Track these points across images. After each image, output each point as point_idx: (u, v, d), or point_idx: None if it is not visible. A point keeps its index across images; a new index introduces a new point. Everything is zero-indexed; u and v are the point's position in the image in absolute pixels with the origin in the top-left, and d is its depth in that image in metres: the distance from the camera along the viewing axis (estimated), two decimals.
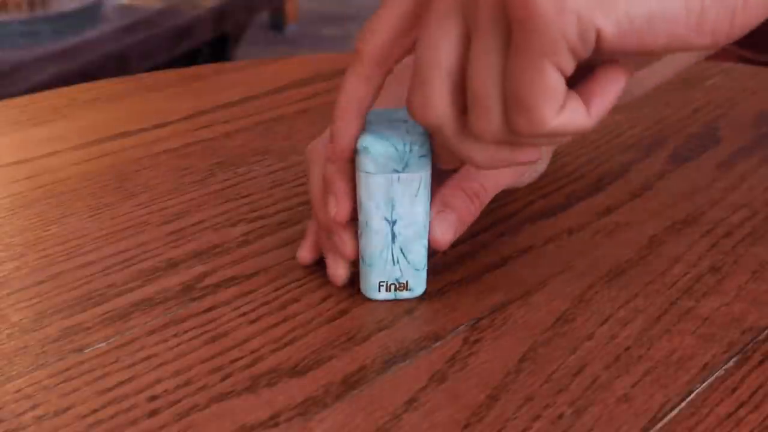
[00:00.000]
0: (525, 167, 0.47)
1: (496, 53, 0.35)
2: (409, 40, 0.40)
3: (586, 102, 0.36)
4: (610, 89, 0.36)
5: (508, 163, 0.39)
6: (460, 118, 0.38)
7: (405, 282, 0.45)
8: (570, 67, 0.33)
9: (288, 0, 3.70)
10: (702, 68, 0.79)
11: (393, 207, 0.43)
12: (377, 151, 0.42)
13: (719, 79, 0.77)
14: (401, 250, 0.44)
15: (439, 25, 0.36)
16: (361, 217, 0.44)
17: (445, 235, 0.44)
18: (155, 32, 2.45)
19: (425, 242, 0.44)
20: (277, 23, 3.78)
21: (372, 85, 0.41)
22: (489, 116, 0.36)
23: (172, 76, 0.82)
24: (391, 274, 0.44)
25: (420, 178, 0.43)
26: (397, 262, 0.44)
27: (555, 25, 0.32)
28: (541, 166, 0.50)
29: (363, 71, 0.41)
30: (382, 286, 0.45)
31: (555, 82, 0.34)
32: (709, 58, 0.89)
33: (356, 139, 0.42)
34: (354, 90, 0.41)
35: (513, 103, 0.35)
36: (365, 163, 0.42)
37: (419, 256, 0.45)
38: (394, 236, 0.44)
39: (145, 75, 0.84)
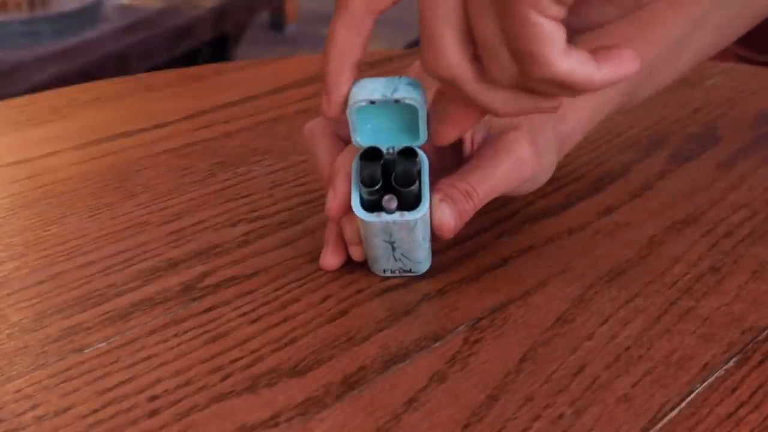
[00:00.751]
0: (520, 175, 0.47)
1: (490, 3, 0.35)
2: None
3: (599, 61, 0.36)
4: (623, 60, 0.36)
5: (531, 110, 0.39)
6: (475, 66, 0.38)
7: (409, 269, 0.46)
8: (556, 10, 0.34)
9: (288, 0, 3.70)
10: (702, 68, 0.78)
11: (392, 234, 0.43)
12: (364, 84, 0.41)
13: (719, 79, 0.77)
14: (402, 255, 0.44)
15: None
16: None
17: (449, 220, 0.44)
18: (155, 32, 2.45)
19: (428, 245, 0.45)
20: (277, 23, 3.78)
21: (362, 34, 0.41)
22: (500, 63, 0.37)
23: (172, 76, 0.82)
24: (395, 265, 0.45)
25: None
26: (400, 260, 0.45)
27: None
28: (543, 178, 0.50)
29: (352, 20, 0.41)
30: (387, 271, 0.46)
31: (546, 27, 0.34)
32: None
33: (349, 90, 0.41)
34: (344, 41, 0.41)
35: (514, 50, 0.36)
36: (355, 94, 0.41)
37: (421, 256, 0.45)
38: (394, 249, 0.44)
39: (145, 75, 0.84)
